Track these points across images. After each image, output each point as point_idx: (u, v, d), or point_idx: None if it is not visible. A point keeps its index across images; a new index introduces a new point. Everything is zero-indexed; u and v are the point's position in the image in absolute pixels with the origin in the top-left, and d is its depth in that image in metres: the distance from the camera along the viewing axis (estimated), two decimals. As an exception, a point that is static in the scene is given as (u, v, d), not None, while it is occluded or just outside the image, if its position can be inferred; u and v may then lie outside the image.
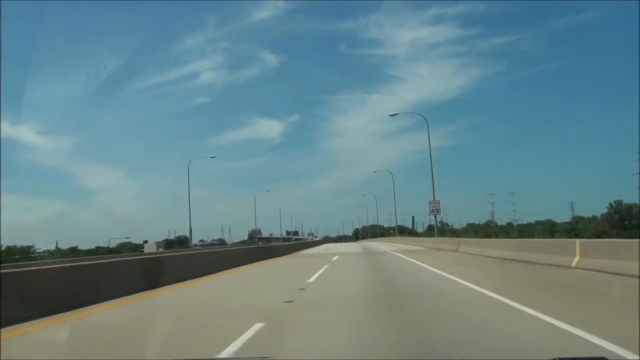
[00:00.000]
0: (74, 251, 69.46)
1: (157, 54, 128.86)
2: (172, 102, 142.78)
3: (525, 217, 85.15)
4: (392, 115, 38.80)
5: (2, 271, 8.09)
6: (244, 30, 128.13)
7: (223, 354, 5.04)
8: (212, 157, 55.35)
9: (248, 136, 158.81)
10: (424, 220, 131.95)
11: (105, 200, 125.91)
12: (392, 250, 30.71)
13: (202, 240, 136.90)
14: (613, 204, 48.74)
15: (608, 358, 2.17)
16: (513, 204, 71.57)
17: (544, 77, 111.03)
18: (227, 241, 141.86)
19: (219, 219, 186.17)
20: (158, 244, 75.42)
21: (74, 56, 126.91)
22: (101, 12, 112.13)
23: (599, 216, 54.14)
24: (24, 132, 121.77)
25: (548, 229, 52.06)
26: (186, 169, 46.77)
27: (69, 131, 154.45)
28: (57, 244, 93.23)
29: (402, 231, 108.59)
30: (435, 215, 34.32)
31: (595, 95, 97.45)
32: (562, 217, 74.17)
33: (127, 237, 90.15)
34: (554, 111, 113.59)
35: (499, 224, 70.39)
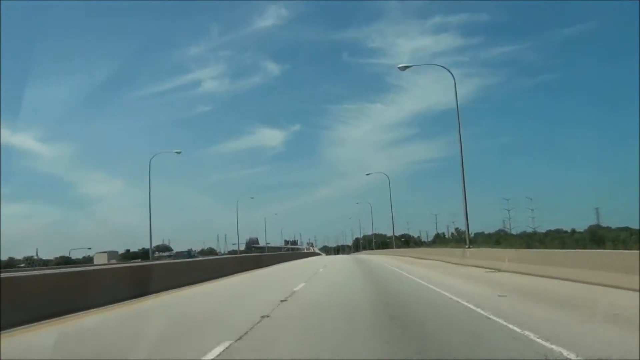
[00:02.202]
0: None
1: (160, 61, 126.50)
2: (174, 109, 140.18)
3: (544, 225, 77.66)
4: (403, 68, 27.75)
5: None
6: (247, 39, 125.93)
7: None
8: (177, 152, 46.44)
9: (250, 145, 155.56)
10: (427, 229, 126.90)
11: (104, 209, 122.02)
12: None
13: (189, 249, 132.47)
14: None
15: None
16: (531, 210, 63.33)
17: (546, 86, 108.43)
18: (218, 250, 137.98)
19: (218, 227, 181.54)
20: (110, 255, 65.64)
21: (75, 64, 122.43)
22: (102, 18, 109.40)
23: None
24: (24, 140, 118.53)
25: (588, 238, 41.31)
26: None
27: (70, 138, 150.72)
28: (37, 253, 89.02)
29: (407, 241, 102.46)
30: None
31: (598, 104, 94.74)
32: (581, 225, 66.45)
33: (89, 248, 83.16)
34: (559, 120, 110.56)
35: (514, 232, 61.71)
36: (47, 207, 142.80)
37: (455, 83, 26.34)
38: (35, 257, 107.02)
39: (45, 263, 64.91)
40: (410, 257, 36.65)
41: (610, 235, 40.74)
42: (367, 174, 60.45)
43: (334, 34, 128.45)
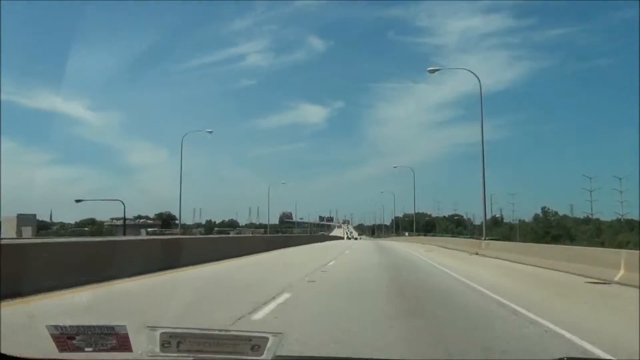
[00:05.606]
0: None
1: (206, 34, 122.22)
2: (218, 83, 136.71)
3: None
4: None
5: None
6: (292, 14, 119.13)
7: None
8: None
9: (292, 120, 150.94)
10: (474, 212, 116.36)
11: (146, 178, 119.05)
12: None
13: (208, 221, 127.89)
14: None
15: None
16: (620, 192, 49.99)
17: (600, 72, 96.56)
18: (240, 223, 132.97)
19: (252, 200, 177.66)
20: (21, 221, 39.69)
21: (124, 35, 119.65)
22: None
23: None
24: (74, 107, 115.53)
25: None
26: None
27: (117, 108, 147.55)
28: (50, 216, 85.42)
29: (459, 224, 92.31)
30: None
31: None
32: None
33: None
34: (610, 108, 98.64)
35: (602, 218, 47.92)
36: (93, 171, 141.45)
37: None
38: (49, 221, 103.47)
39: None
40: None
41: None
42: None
43: (381, 11, 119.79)
